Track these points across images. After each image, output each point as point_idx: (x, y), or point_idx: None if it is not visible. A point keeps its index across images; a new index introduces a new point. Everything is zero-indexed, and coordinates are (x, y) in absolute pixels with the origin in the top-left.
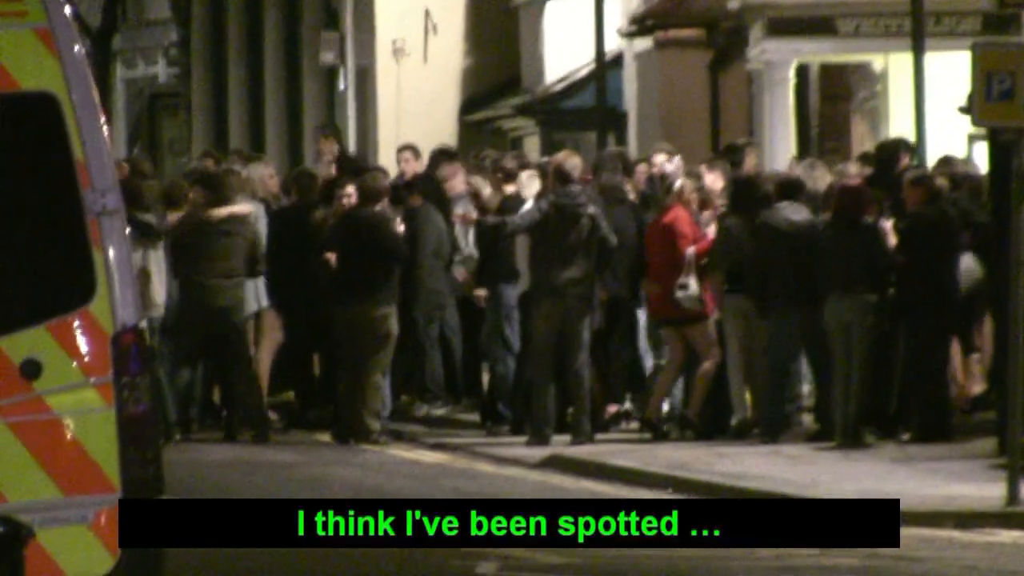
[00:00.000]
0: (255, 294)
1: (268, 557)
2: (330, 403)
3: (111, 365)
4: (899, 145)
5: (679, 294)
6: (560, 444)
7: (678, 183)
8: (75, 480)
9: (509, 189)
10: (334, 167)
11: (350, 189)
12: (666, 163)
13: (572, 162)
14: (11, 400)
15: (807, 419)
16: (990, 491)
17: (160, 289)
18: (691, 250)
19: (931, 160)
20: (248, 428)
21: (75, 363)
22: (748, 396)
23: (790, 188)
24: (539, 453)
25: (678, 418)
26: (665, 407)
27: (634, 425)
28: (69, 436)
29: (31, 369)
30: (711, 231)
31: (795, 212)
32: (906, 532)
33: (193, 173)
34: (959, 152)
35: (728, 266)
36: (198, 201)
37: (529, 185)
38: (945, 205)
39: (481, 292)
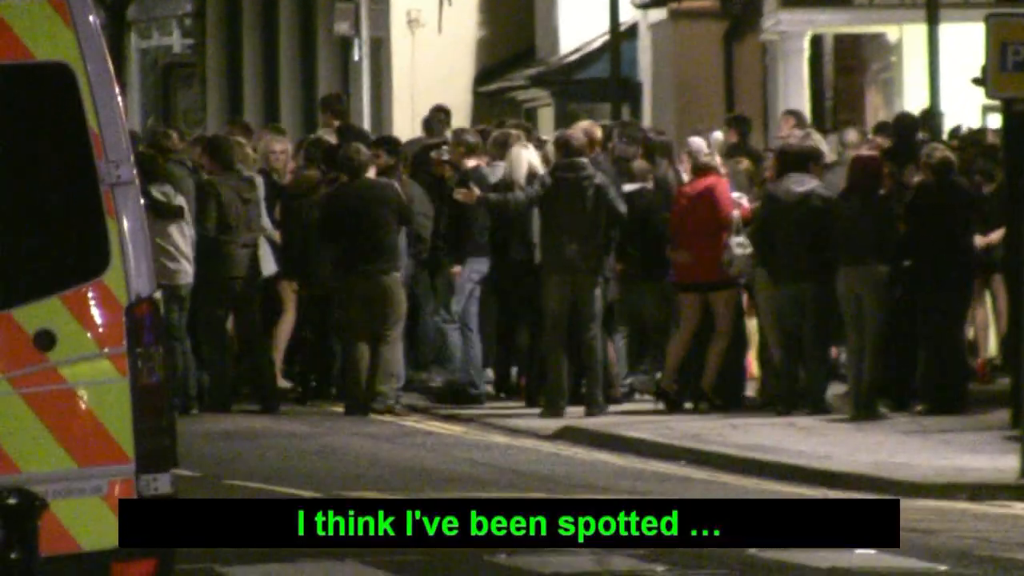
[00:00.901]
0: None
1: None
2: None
3: (125, 336)
4: (918, 119)
5: (737, 251)
6: (574, 416)
7: (716, 157)
8: (89, 451)
9: (470, 163)
10: (334, 137)
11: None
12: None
13: (582, 132)
14: (25, 371)
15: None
16: (1004, 463)
17: (184, 261)
18: (737, 212)
19: (946, 131)
20: (259, 399)
21: (89, 334)
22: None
23: (801, 158)
24: (553, 424)
25: (692, 390)
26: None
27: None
28: (83, 407)
29: (45, 340)
30: (744, 201)
31: (799, 183)
32: (920, 504)
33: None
34: (973, 123)
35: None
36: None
37: (518, 161)
38: (957, 177)
39: (456, 269)
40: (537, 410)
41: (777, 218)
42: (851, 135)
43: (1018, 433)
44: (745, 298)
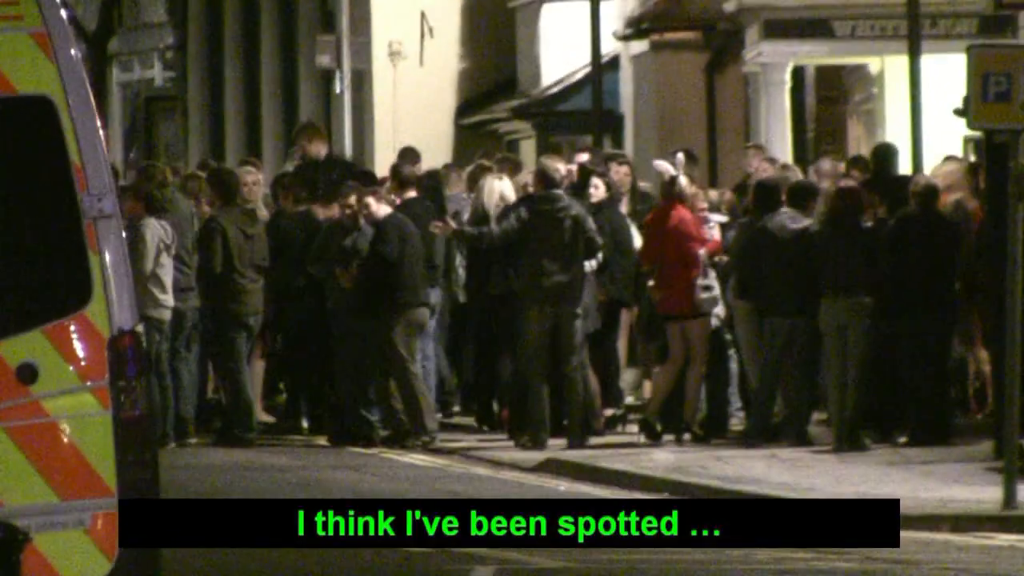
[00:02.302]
0: None
1: (268, 557)
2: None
3: (108, 369)
4: (895, 149)
5: (703, 295)
6: (556, 448)
7: (682, 179)
8: (72, 484)
9: (410, 194)
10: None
11: (352, 200)
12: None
13: (555, 165)
14: (7, 404)
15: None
16: (987, 494)
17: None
18: (703, 251)
19: (927, 162)
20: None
21: (72, 367)
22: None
23: (801, 194)
24: (535, 456)
25: (677, 422)
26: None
27: (632, 428)
28: (66, 440)
29: (28, 373)
30: (715, 232)
31: (794, 220)
32: (903, 535)
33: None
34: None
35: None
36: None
37: (490, 193)
38: (937, 207)
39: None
40: (515, 443)
41: (766, 252)
42: (825, 165)
43: (1001, 464)
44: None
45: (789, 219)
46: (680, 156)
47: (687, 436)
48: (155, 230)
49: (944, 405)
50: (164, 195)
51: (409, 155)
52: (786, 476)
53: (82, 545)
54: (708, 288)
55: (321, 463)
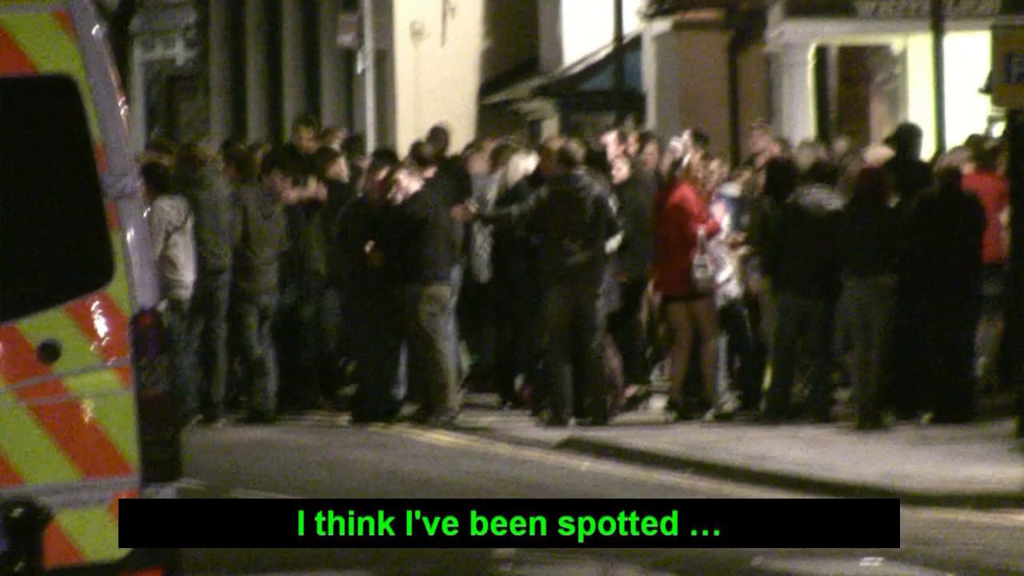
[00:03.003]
0: None
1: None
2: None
3: (129, 347)
4: (917, 130)
5: (697, 274)
6: (579, 426)
7: (687, 158)
8: (93, 462)
9: (428, 173)
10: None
11: (383, 174)
12: (673, 141)
13: (573, 146)
14: (29, 383)
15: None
16: (1010, 472)
17: (187, 271)
18: (702, 230)
19: (950, 142)
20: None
21: (93, 345)
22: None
23: (828, 171)
24: (557, 435)
25: (696, 401)
26: (723, 384)
27: (656, 405)
28: (87, 418)
29: (49, 352)
30: (716, 210)
31: (827, 199)
32: (925, 514)
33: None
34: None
35: (766, 248)
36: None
37: (515, 169)
38: (961, 186)
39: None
40: (537, 420)
41: (796, 230)
42: (840, 144)
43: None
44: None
45: (824, 198)
46: (685, 136)
47: (707, 416)
48: (162, 212)
49: (967, 384)
50: (200, 174)
51: (439, 134)
52: (808, 455)
53: (104, 523)
54: (703, 267)
55: (343, 442)
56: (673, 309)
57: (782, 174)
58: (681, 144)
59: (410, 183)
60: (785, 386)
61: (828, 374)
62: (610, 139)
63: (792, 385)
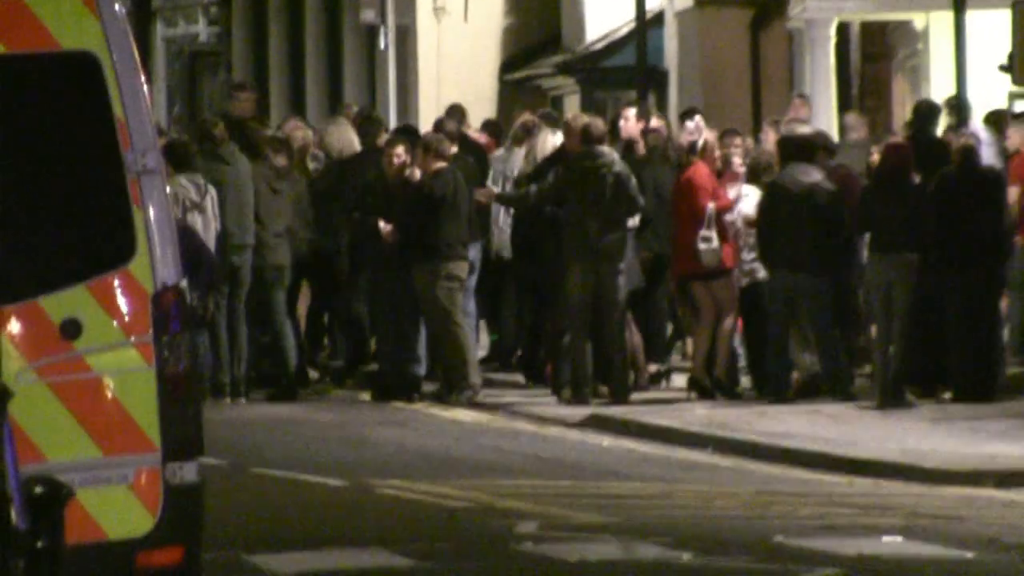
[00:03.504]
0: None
1: (303, 522)
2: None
3: (151, 324)
4: (937, 106)
5: (702, 246)
6: (600, 403)
7: (702, 139)
8: (115, 440)
9: (437, 165)
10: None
11: (400, 150)
12: (687, 122)
13: (596, 123)
14: (51, 360)
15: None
16: None
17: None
18: (712, 205)
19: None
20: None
21: (115, 322)
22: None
23: (807, 147)
24: (579, 412)
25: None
26: (742, 362)
27: (678, 383)
28: (109, 396)
29: (71, 329)
30: (731, 191)
31: (805, 174)
32: (947, 491)
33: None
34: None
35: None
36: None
37: (543, 145)
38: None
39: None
40: (563, 398)
41: (781, 208)
42: (851, 119)
43: None
44: None
45: (801, 172)
46: (698, 119)
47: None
48: (179, 189)
49: (989, 361)
50: (222, 150)
51: (456, 112)
52: (830, 431)
53: (125, 500)
54: (707, 240)
55: (365, 419)
56: (694, 288)
57: (796, 149)
58: (694, 125)
59: (433, 162)
60: (783, 364)
61: (836, 350)
62: (630, 115)
63: (790, 363)
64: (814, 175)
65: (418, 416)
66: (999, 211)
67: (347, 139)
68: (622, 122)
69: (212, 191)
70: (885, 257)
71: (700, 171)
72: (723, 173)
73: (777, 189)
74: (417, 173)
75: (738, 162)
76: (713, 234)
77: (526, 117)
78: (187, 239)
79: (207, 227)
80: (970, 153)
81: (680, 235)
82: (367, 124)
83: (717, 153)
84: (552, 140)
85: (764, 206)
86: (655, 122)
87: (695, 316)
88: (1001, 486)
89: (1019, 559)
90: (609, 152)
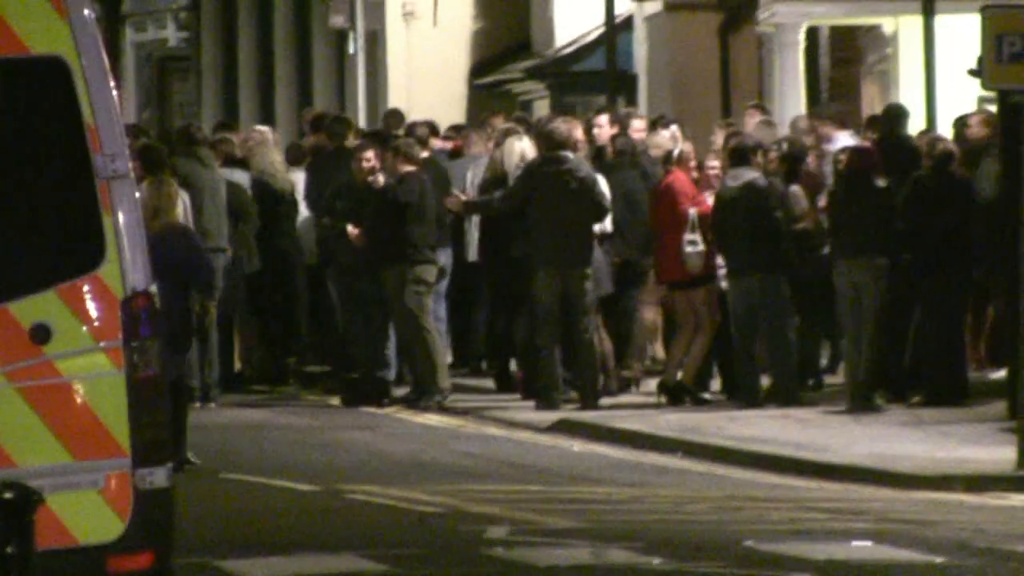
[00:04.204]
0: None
1: (274, 527)
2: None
3: (121, 329)
4: (904, 110)
5: (688, 249)
6: (570, 408)
7: (678, 149)
8: (85, 445)
9: (406, 168)
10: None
11: (370, 154)
12: (661, 131)
13: (563, 127)
14: (21, 365)
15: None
16: (1001, 454)
17: None
18: (693, 210)
19: (941, 123)
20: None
21: (85, 327)
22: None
23: (742, 152)
24: (549, 417)
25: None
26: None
27: (649, 388)
28: (79, 400)
29: (41, 333)
30: (709, 197)
31: (735, 178)
32: (916, 495)
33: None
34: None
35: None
36: None
37: (510, 153)
38: (955, 169)
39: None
40: (532, 403)
41: (725, 212)
42: (801, 122)
43: (1015, 424)
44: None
45: (731, 177)
46: (674, 128)
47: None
48: (142, 195)
49: (958, 366)
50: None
51: (394, 116)
52: (800, 436)
53: (95, 505)
54: (692, 243)
55: (336, 423)
56: (676, 296)
57: (734, 155)
58: (670, 134)
59: (402, 165)
60: (750, 370)
61: (787, 353)
62: (603, 121)
63: (757, 368)
64: (746, 175)
65: (388, 421)
66: (968, 216)
67: (268, 160)
68: (596, 129)
69: (184, 195)
70: (853, 261)
71: (679, 177)
72: (699, 180)
73: (719, 195)
74: (381, 178)
75: (713, 168)
76: (698, 237)
77: (502, 123)
78: (186, 241)
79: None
80: (944, 158)
81: (662, 242)
82: (335, 125)
83: (693, 162)
84: (520, 147)
85: (714, 214)
86: (638, 124)
87: (679, 322)
88: (971, 490)
89: (989, 563)
90: (573, 157)
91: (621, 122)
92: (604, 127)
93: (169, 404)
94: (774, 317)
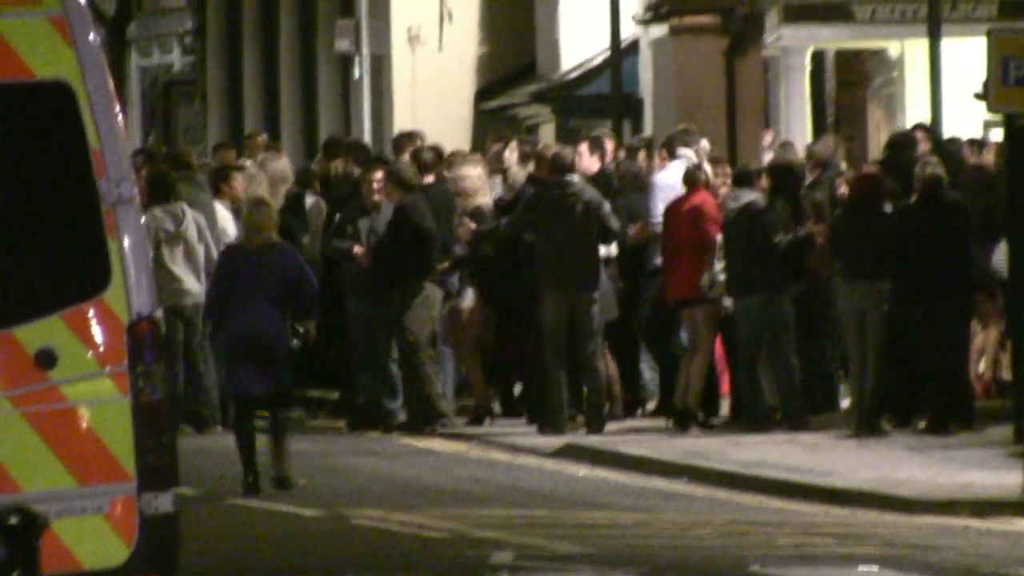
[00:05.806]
0: None
1: (278, 552)
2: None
3: (126, 354)
4: (911, 134)
5: (720, 277)
6: (576, 433)
7: (705, 166)
8: (90, 469)
9: (427, 179)
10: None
11: (379, 175)
12: (686, 150)
13: (565, 152)
14: (26, 389)
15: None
16: (1007, 479)
17: (188, 280)
18: (720, 236)
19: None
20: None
21: (90, 352)
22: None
23: (743, 176)
24: (554, 442)
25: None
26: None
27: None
28: (84, 425)
29: (46, 358)
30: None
31: (735, 199)
32: (922, 520)
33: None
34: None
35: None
36: None
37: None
38: (946, 192)
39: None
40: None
41: (729, 234)
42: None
43: (1021, 449)
44: None
45: (732, 199)
46: (703, 143)
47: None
48: (153, 220)
49: (964, 390)
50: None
51: (408, 138)
52: (805, 460)
53: (101, 530)
54: (719, 271)
55: (340, 449)
56: (687, 316)
57: (785, 177)
58: (694, 151)
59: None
60: (755, 392)
61: (790, 375)
62: (582, 148)
63: (762, 390)
64: (745, 197)
65: (393, 446)
66: (964, 242)
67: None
68: (576, 158)
69: (198, 217)
70: (857, 286)
71: (708, 200)
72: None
73: (724, 218)
74: (385, 201)
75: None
76: (721, 268)
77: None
78: (290, 259)
79: (189, 255)
80: (933, 184)
81: (678, 261)
82: (358, 151)
83: (718, 181)
84: (475, 173)
85: (723, 237)
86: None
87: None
88: (977, 515)
89: None
90: (579, 181)
91: (628, 147)
92: (584, 156)
93: (173, 427)
94: (774, 338)
